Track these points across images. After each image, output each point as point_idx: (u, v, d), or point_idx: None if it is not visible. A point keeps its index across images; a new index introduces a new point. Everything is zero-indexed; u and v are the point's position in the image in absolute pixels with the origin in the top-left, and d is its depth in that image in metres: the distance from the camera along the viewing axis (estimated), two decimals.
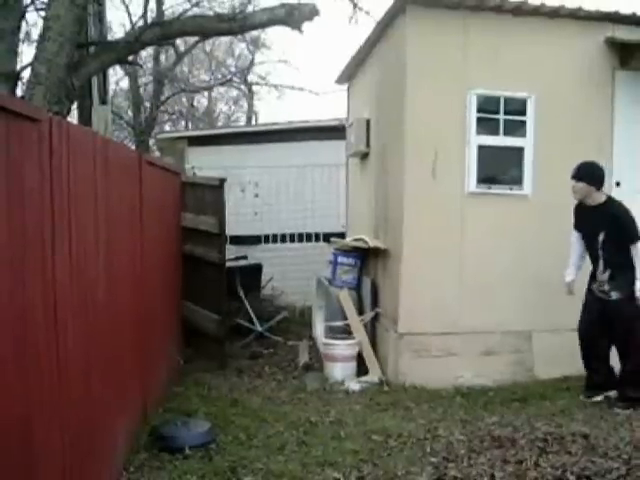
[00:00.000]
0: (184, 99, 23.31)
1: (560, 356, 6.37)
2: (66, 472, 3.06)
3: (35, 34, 8.09)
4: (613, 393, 5.60)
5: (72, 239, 3.14)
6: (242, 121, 24.59)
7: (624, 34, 6.43)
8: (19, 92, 7.43)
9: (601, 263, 5.52)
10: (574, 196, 5.65)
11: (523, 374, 6.40)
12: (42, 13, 6.69)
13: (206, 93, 24.16)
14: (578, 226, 5.76)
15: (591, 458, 4.20)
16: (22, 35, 8.33)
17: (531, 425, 4.95)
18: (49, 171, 2.84)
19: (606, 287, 5.45)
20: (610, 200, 5.60)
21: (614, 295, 5.42)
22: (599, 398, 5.60)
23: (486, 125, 6.43)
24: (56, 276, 2.90)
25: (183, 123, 23.56)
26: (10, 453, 2.49)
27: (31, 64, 6.20)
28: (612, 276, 5.45)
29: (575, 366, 6.27)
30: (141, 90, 19.15)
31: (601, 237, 5.48)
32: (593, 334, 5.60)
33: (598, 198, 5.55)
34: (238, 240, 10.54)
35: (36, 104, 5.42)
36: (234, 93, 25.16)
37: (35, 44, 6.34)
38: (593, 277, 5.63)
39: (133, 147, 15.74)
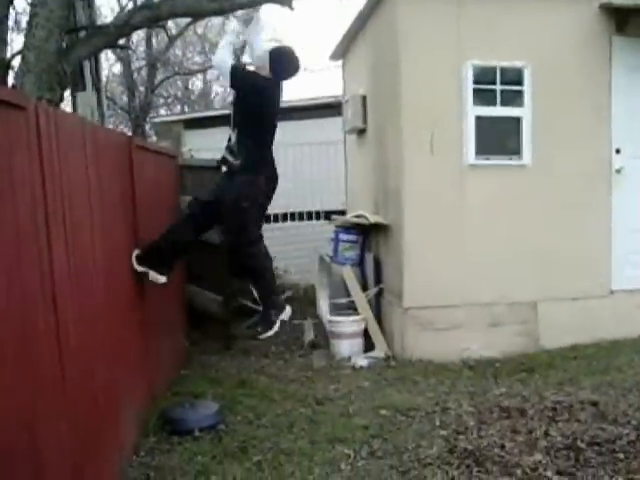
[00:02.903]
0: (179, 82, 23.13)
1: (566, 325, 6.38)
2: (76, 463, 3.06)
3: (25, 21, 7.98)
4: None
5: (67, 226, 3.10)
6: None
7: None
8: (10, 81, 7.36)
9: None
10: None
11: (530, 344, 6.40)
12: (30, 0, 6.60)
13: (200, 75, 23.98)
14: None
15: (601, 425, 4.21)
16: (12, 23, 8.26)
17: (540, 395, 4.96)
18: (39, 159, 2.79)
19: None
20: None
21: None
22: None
23: (483, 96, 6.37)
24: (53, 264, 2.86)
25: (179, 106, 23.40)
26: (16, 444, 2.48)
27: (21, 52, 6.11)
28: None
29: (581, 334, 6.30)
30: (135, 75, 18.98)
31: None
32: None
33: None
34: None
35: (27, 92, 5.34)
36: None
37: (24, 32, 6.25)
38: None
39: (129, 132, 15.63)
